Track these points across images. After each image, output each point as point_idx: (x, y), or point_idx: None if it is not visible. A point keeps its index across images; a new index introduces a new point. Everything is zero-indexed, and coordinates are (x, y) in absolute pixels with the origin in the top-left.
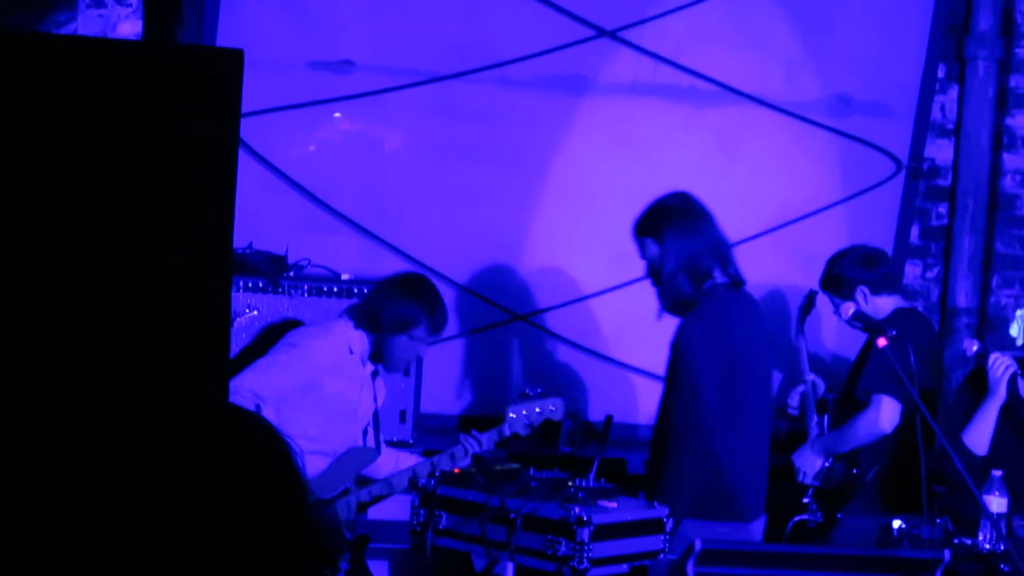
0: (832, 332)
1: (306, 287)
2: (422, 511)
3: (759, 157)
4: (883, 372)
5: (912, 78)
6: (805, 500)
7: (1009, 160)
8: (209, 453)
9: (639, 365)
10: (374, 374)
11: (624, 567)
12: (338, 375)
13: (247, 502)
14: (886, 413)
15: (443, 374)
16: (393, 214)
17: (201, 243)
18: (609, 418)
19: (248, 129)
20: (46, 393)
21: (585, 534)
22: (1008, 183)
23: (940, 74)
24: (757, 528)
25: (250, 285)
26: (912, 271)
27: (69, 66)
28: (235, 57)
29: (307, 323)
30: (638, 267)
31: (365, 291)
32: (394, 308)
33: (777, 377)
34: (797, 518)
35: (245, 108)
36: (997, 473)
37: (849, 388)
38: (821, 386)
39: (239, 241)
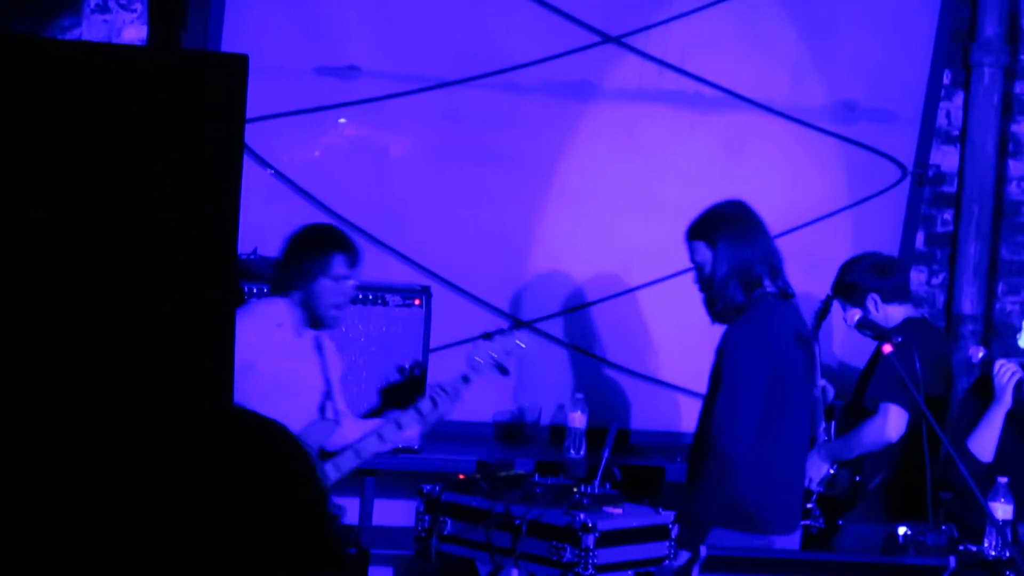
0: (841, 339)
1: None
2: (427, 517)
3: (764, 163)
4: (891, 380)
5: (918, 84)
6: (809, 506)
7: (1014, 167)
8: (215, 457)
9: (644, 372)
10: (319, 344)
11: (629, 573)
12: (270, 352)
13: (267, 508)
14: (893, 422)
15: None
16: (398, 220)
17: (205, 249)
18: (612, 425)
19: (253, 134)
20: (52, 394)
21: (590, 540)
22: (1013, 190)
23: (946, 80)
24: (792, 542)
25: (255, 291)
26: (917, 278)
27: (73, 71)
28: (240, 62)
29: None
30: (642, 273)
31: (371, 296)
32: (301, 256)
33: None
34: (800, 524)
35: (250, 113)
36: (1003, 480)
37: (857, 396)
38: (831, 392)
39: (244, 247)
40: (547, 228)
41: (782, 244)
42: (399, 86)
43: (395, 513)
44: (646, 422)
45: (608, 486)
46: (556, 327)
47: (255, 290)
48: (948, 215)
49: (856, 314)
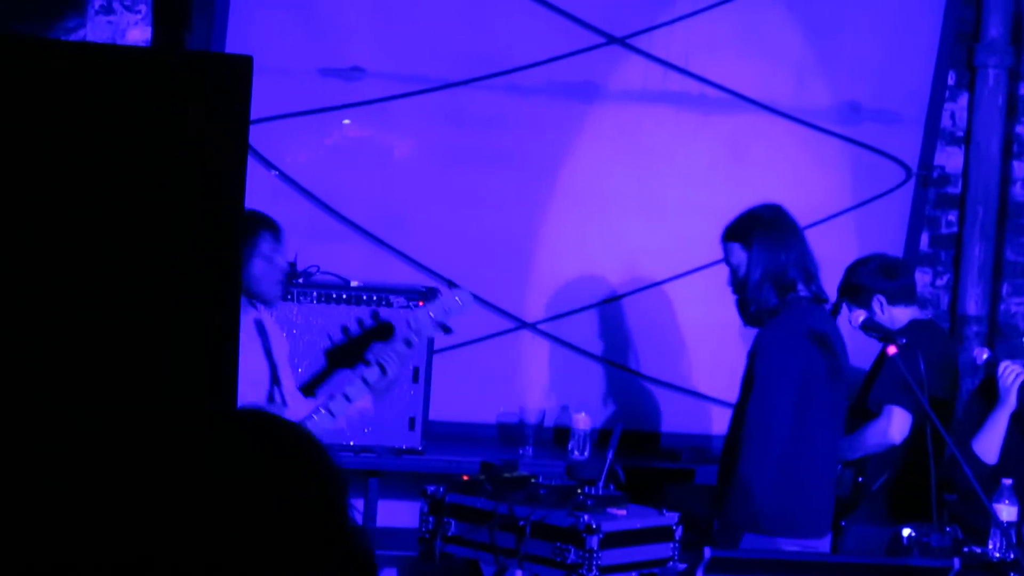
0: (847, 341)
1: (315, 294)
2: (431, 518)
3: (769, 164)
4: (895, 382)
5: (922, 86)
6: None
7: (1019, 168)
8: (218, 454)
9: (648, 373)
10: (260, 326)
11: (633, 574)
12: None
13: (287, 509)
14: (896, 424)
15: (451, 381)
16: (402, 221)
17: (210, 249)
18: (616, 426)
19: (257, 135)
20: (58, 393)
21: (594, 542)
22: (1018, 191)
23: (950, 82)
24: (823, 545)
25: None
26: (922, 279)
27: (78, 72)
28: (244, 63)
29: None
30: (646, 274)
31: (375, 298)
32: None
33: None
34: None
35: (254, 115)
36: (1007, 482)
37: (862, 397)
38: None
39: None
40: (551, 229)
41: None
42: (403, 87)
43: (399, 514)
44: (648, 422)
45: (612, 487)
46: (560, 328)
47: None
48: (952, 216)
49: (861, 315)
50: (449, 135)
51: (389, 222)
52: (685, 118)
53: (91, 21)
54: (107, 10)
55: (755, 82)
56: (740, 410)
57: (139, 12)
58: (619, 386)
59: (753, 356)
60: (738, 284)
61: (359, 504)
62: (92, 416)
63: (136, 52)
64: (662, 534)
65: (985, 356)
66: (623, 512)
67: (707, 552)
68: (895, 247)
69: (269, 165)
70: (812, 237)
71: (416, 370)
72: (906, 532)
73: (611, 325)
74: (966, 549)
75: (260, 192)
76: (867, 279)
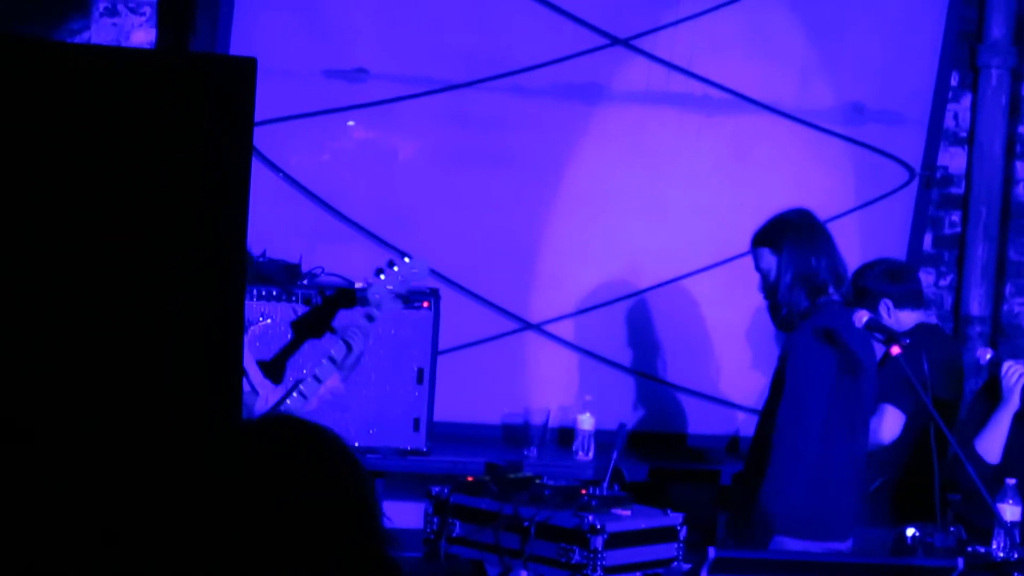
0: None
1: (319, 296)
2: (435, 519)
3: (772, 165)
4: (891, 382)
5: (925, 86)
6: None
7: (1022, 168)
8: (216, 457)
9: (653, 372)
10: None
11: (638, 575)
12: None
13: (319, 511)
14: (887, 423)
15: (456, 382)
16: (406, 222)
17: (215, 251)
18: (621, 426)
19: (261, 137)
20: (63, 396)
21: (599, 542)
22: (1021, 191)
23: (953, 82)
24: (847, 548)
25: (263, 293)
26: (925, 279)
27: (82, 74)
28: (248, 65)
29: None
30: (650, 275)
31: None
32: None
33: None
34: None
35: (258, 116)
36: (1011, 481)
37: None
38: None
39: (252, 249)
40: (555, 230)
41: None
42: (407, 89)
43: (404, 515)
44: (652, 423)
45: (617, 488)
46: (564, 329)
47: (264, 292)
48: (956, 217)
49: (864, 315)
50: (453, 136)
51: (393, 223)
52: (688, 119)
53: (95, 23)
54: (111, 12)
55: (758, 83)
56: (769, 413)
57: (143, 14)
58: (623, 386)
59: (784, 359)
60: (769, 289)
61: None
62: (105, 419)
63: (140, 54)
64: (666, 534)
65: (988, 356)
66: (627, 512)
67: (711, 552)
68: (898, 248)
69: (273, 167)
70: None
71: (420, 371)
72: (910, 532)
73: (615, 326)
74: (970, 549)
75: (264, 194)
76: (873, 283)
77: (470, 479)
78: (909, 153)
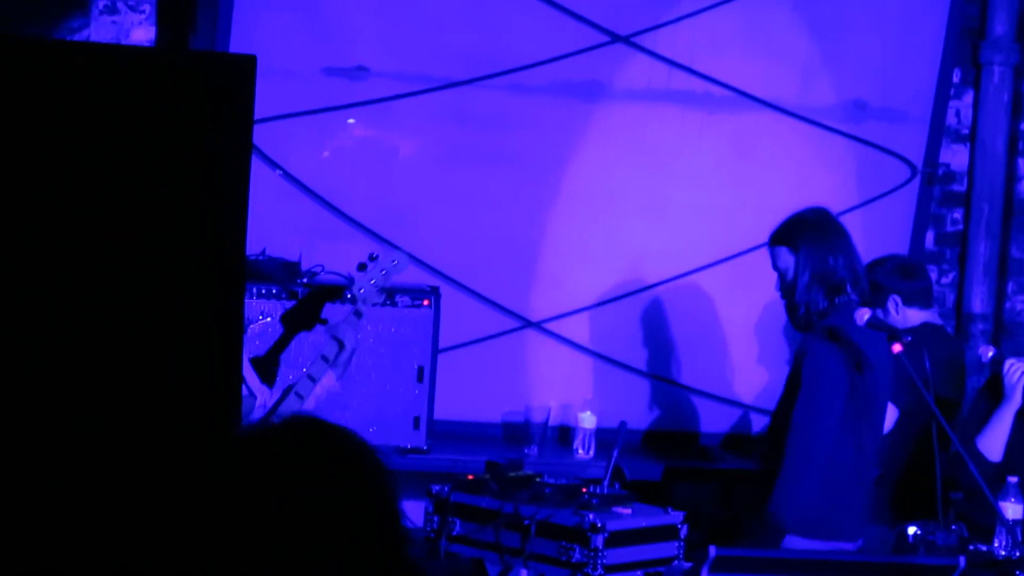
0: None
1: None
2: (436, 518)
3: (774, 163)
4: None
5: (927, 83)
6: None
7: None
8: (217, 458)
9: (653, 371)
10: None
11: (639, 573)
12: None
13: (341, 513)
14: None
15: (456, 380)
16: (406, 220)
17: (214, 249)
18: (622, 424)
19: (261, 135)
20: (63, 395)
21: (599, 540)
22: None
23: (955, 79)
24: (856, 548)
25: (263, 292)
26: None
27: (82, 73)
28: (248, 63)
29: None
30: (652, 273)
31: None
32: None
33: None
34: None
35: (258, 114)
36: (1013, 479)
37: None
38: None
39: (252, 247)
40: (555, 228)
41: None
42: (407, 86)
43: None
44: (658, 421)
45: (617, 486)
46: (565, 327)
47: (264, 290)
48: (958, 214)
49: (866, 313)
50: (453, 134)
51: (393, 221)
52: (690, 117)
53: (95, 21)
54: (111, 10)
55: (760, 80)
56: (783, 412)
57: (143, 12)
58: (625, 384)
59: (800, 358)
60: (786, 288)
61: None
62: (103, 418)
63: (140, 52)
64: (667, 533)
65: (990, 354)
66: (628, 511)
67: (712, 551)
68: (900, 245)
69: (273, 164)
70: None
71: (421, 369)
72: (912, 530)
73: (616, 324)
74: (972, 547)
75: (264, 192)
76: (884, 279)
77: (470, 477)
78: (911, 150)
